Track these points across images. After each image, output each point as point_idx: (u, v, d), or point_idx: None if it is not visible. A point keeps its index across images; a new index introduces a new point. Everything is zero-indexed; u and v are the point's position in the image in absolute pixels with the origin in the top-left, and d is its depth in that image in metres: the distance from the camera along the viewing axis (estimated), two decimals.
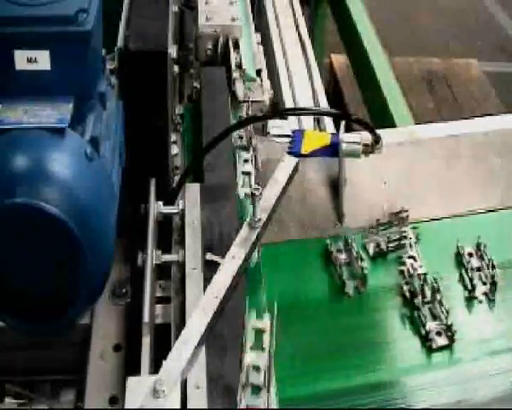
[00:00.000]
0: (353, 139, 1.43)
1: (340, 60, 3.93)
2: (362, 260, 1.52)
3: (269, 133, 1.72)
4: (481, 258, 1.57)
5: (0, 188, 1.02)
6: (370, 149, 1.44)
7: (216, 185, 1.44)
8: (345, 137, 1.43)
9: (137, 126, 1.35)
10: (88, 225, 1.05)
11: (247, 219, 1.25)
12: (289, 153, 1.40)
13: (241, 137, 1.57)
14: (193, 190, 1.40)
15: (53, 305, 1.10)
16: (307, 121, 1.97)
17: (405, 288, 1.51)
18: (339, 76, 3.92)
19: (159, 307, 1.27)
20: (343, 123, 1.47)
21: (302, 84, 2.29)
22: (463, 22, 5.29)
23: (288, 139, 1.47)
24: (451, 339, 1.43)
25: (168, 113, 1.41)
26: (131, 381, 1.01)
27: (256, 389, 1.07)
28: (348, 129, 1.50)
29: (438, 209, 1.67)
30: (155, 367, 1.12)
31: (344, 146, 1.43)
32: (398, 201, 1.63)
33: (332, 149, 1.44)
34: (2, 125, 1.05)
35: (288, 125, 1.79)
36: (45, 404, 1.27)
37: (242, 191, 1.48)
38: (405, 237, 1.59)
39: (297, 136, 1.43)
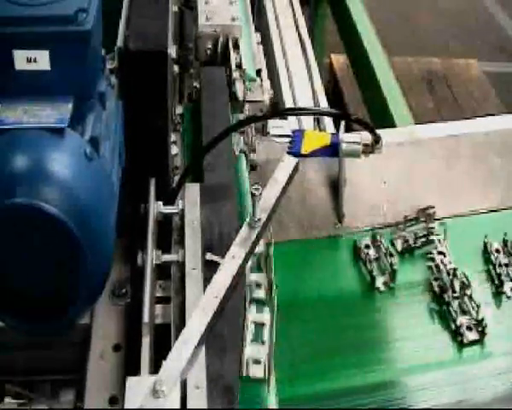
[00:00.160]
0: (353, 139, 1.43)
1: (340, 60, 3.93)
2: (391, 255, 1.53)
3: (269, 133, 1.72)
4: (509, 254, 1.58)
5: (0, 188, 1.01)
6: (370, 149, 1.44)
7: (216, 185, 1.44)
8: (345, 137, 1.43)
9: (137, 126, 1.34)
10: (88, 225, 1.05)
11: (247, 219, 1.25)
12: (289, 153, 1.40)
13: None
14: (193, 190, 1.40)
15: (53, 305, 1.10)
16: (307, 121, 1.98)
17: (435, 283, 1.52)
18: (339, 76, 3.91)
19: (159, 307, 1.27)
20: (343, 123, 1.47)
21: (302, 84, 2.29)
22: (463, 22, 5.29)
23: (287, 139, 1.47)
24: (482, 334, 1.43)
25: (168, 113, 1.41)
26: (131, 381, 1.01)
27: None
28: (348, 129, 1.50)
29: (438, 209, 1.67)
30: (155, 367, 1.12)
31: (344, 146, 1.43)
32: (398, 201, 1.63)
33: (332, 149, 1.44)
34: (1, 125, 1.05)
35: (288, 125, 1.79)
36: (45, 404, 1.27)
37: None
38: (433, 233, 1.60)
39: (297, 136, 1.43)
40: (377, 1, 4.59)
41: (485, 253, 1.59)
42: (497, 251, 1.58)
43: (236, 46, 1.80)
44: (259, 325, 1.19)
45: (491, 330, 1.45)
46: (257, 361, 1.17)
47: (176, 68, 1.59)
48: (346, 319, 1.49)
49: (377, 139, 1.42)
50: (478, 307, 1.46)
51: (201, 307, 1.10)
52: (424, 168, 1.70)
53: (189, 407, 1.06)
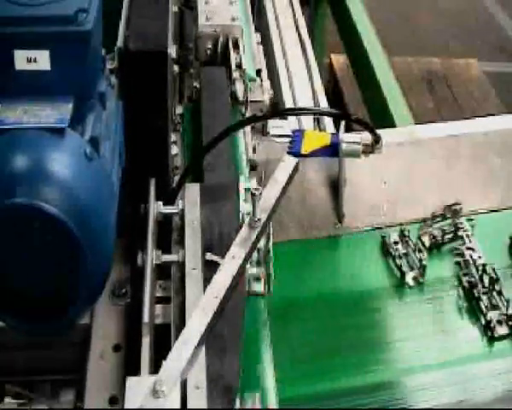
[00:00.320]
0: (353, 139, 1.43)
1: (340, 60, 3.93)
2: (420, 251, 1.54)
3: (269, 133, 1.72)
4: None
5: (0, 188, 1.01)
6: (370, 149, 1.44)
7: (216, 185, 1.44)
8: (345, 137, 1.44)
9: (137, 126, 1.34)
10: (88, 225, 1.05)
11: (247, 219, 1.25)
12: (289, 153, 1.40)
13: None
14: (193, 190, 1.40)
15: (53, 305, 1.10)
16: (307, 121, 1.97)
17: (464, 278, 1.53)
18: (339, 76, 3.91)
19: (159, 307, 1.27)
20: (343, 123, 1.47)
21: (302, 83, 2.29)
22: (463, 22, 5.29)
23: (287, 139, 1.47)
24: None
25: (168, 113, 1.41)
26: (131, 381, 1.01)
27: None
28: (348, 129, 1.50)
29: (438, 209, 1.67)
30: (155, 367, 1.12)
31: (344, 146, 1.43)
32: (398, 201, 1.64)
33: (332, 149, 1.44)
34: (1, 125, 1.05)
35: (288, 125, 1.79)
36: (45, 404, 1.27)
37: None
38: (461, 229, 1.61)
39: (297, 136, 1.43)
40: (377, 1, 4.59)
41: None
42: None
43: (236, 46, 1.80)
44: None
45: None
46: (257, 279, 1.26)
47: (176, 68, 1.59)
48: (407, 309, 1.50)
49: (377, 139, 1.42)
50: (507, 301, 1.48)
51: (201, 308, 1.10)
52: (424, 168, 1.70)
53: (189, 407, 1.06)
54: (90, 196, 1.07)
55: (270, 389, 1.17)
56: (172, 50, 1.45)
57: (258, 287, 1.31)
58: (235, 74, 1.73)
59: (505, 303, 1.48)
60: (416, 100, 3.63)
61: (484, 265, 1.54)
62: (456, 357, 1.44)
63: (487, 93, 4.07)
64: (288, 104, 2.16)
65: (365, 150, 1.44)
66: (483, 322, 1.47)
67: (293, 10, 2.77)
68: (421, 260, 1.53)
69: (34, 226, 1.03)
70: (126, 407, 0.98)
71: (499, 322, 1.48)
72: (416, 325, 1.50)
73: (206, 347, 1.12)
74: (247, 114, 1.68)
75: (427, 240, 1.59)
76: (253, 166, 1.58)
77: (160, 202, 1.35)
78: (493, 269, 1.53)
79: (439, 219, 1.62)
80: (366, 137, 1.43)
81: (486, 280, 1.52)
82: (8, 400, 1.25)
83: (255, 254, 1.31)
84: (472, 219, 1.64)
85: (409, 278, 1.53)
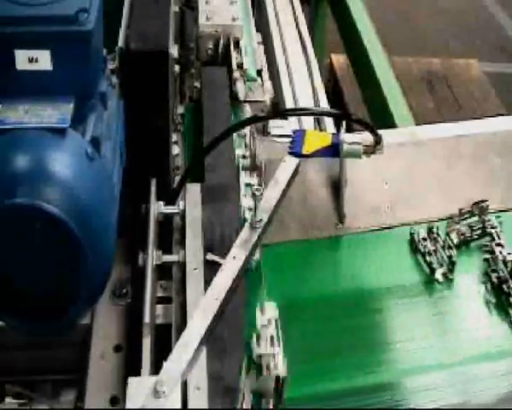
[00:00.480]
0: (354, 140, 1.43)
1: (340, 60, 3.93)
2: (450, 247, 1.55)
3: (269, 133, 1.71)
4: None
5: (1, 188, 1.01)
6: (371, 149, 1.44)
7: (217, 185, 1.44)
8: (346, 137, 1.44)
9: (138, 126, 1.34)
10: (89, 225, 1.05)
11: (248, 220, 1.25)
12: (290, 153, 1.40)
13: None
14: (194, 191, 1.40)
15: (53, 305, 1.10)
16: (307, 121, 1.97)
17: (493, 275, 1.54)
18: (339, 76, 3.91)
19: (159, 308, 1.27)
20: (344, 123, 1.47)
21: (302, 82, 2.29)
22: (463, 22, 5.30)
23: (288, 139, 1.47)
24: None
25: (169, 113, 1.40)
26: (132, 381, 1.01)
27: None
28: (349, 129, 1.50)
29: (439, 209, 1.67)
30: (156, 368, 1.12)
31: (345, 146, 1.43)
32: (399, 201, 1.64)
33: (333, 150, 1.44)
34: (2, 125, 1.05)
35: (289, 125, 1.79)
36: (46, 404, 1.27)
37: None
38: (489, 226, 1.61)
39: (298, 136, 1.43)
40: (377, 0, 4.59)
41: None
42: None
43: (237, 46, 1.80)
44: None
45: None
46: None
47: (177, 68, 1.59)
48: (436, 305, 1.50)
49: (378, 140, 1.43)
50: None
51: (202, 309, 1.10)
52: (425, 169, 1.70)
53: (189, 407, 1.06)
54: (91, 196, 1.07)
55: None
56: (174, 50, 1.46)
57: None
58: (236, 74, 1.73)
59: None
60: (416, 100, 3.63)
61: None
62: (484, 352, 1.44)
63: (487, 93, 4.07)
64: (289, 103, 2.16)
65: (366, 151, 1.44)
66: None
67: (293, 9, 2.77)
68: (450, 257, 1.55)
69: (35, 226, 1.03)
70: (127, 407, 0.99)
71: None
72: (443, 320, 1.51)
73: (207, 348, 1.12)
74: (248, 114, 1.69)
75: (455, 237, 1.60)
76: (254, 167, 1.57)
77: (161, 203, 1.35)
78: None
79: (466, 216, 1.63)
80: (367, 137, 1.43)
81: None
82: (8, 400, 1.25)
83: None
84: (500, 217, 1.65)
85: (438, 275, 1.54)
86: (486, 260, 1.58)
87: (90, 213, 1.06)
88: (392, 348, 1.45)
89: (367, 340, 1.45)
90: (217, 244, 1.31)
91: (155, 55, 1.34)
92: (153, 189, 1.36)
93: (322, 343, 1.42)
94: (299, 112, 1.92)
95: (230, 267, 1.17)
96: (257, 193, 1.23)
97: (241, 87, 1.70)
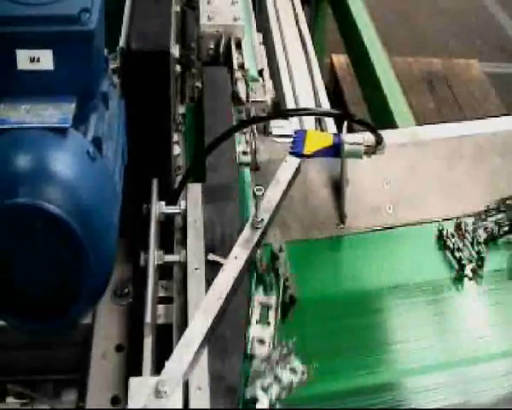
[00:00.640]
0: (355, 140, 1.44)
1: (340, 60, 3.94)
2: (479, 243, 1.55)
3: (271, 133, 1.71)
4: None
5: (2, 188, 1.01)
6: (372, 149, 1.45)
7: (218, 185, 1.44)
8: (347, 137, 1.44)
9: (140, 126, 1.34)
10: (90, 224, 1.05)
11: (250, 220, 1.25)
12: (291, 153, 1.40)
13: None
14: (195, 190, 1.40)
15: (55, 305, 1.10)
16: (308, 121, 1.97)
17: None
18: (339, 75, 3.92)
19: (161, 308, 1.27)
20: (345, 124, 1.47)
21: (303, 81, 2.29)
22: (463, 22, 5.30)
23: (289, 139, 1.47)
24: None
25: (170, 113, 1.40)
26: (134, 381, 1.01)
27: None
28: (350, 129, 1.50)
29: (440, 209, 1.67)
30: (157, 368, 1.12)
31: (346, 147, 1.43)
32: (400, 202, 1.64)
33: (334, 150, 1.44)
34: (4, 125, 1.05)
35: (290, 124, 1.79)
36: (47, 404, 1.27)
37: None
38: None
39: (299, 136, 1.43)
40: (377, 0, 4.59)
41: None
42: None
43: (238, 46, 1.80)
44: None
45: None
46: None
47: (178, 68, 1.59)
48: (464, 300, 1.52)
49: (379, 140, 1.43)
50: None
51: (203, 309, 1.10)
52: (426, 169, 1.70)
53: (191, 407, 1.06)
54: (92, 196, 1.07)
55: None
56: (175, 50, 1.45)
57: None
58: (237, 74, 1.73)
59: None
60: (416, 100, 3.64)
61: None
62: (485, 352, 1.45)
63: (487, 93, 4.08)
64: (290, 103, 2.16)
65: (367, 151, 1.45)
66: None
67: (294, 9, 2.77)
68: (479, 253, 1.56)
69: (37, 226, 1.03)
70: (129, 406, 0.99)
71: None
72: (443, 320, 1.51)
73: (208, 348, 1.12)
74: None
75: (482, 233, 1.61)
76: (255, 167, 1.57)
77: (163, 202, 1.35)
78: None
79: (493, 213, 1.64)
80: (368, 137, 1.43)
81: None
82: (10, 399, 1.25)
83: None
84: None
85: (468, 271, 1.55)
86: None
87: (91, 212, 1.06)
88: (393, 348, 1.45)
89: (368, 340, 1.45)
90: (218, 244, 1.31)
91: (157, 55, 1.34)
92: (154, 189, 1.36)
93: (323, 343, 1.42)
94: (300, 112, 1.92)
95: (232, 267, 1.17)
96: (258, 193, 1.23)
97: (242, 87, 1.70)
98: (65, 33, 1.07)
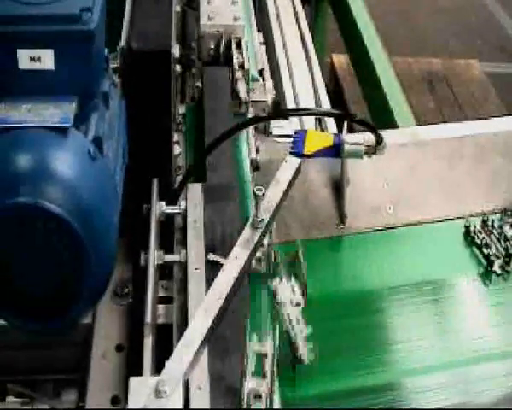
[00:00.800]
0: (356, 140, 1.43)
1: (340, 59, 3.94)
2: (507, 239, 1.56)
3: (271, 133, 1.71)
4: None
5: (3, 187, 1.01)
6: (373, 149, 1.44)
7: (218, 185, 1.43)
8: (347, 137, 1.43)
9: (140, 126, 1.34)
10: (91, 224, 1.05)
11: (250, 220, 1.24)
12: (292, 153, 1.40)
13: None
14: (195, 190, 1.40)
15: (55, 304, 1.10)
16: (308, 120, 1.97)
17: None
18: (339, 75, 3.92)
19: (161, 308, 1.27)
20: (346, 124, 1.47)
21: (303, 81, 2.29)
22: (463, 20, 5.30)
23: (290, 139, 1.47)
24: None
25: (171, 112, 1.40)
26: (134, 381, 1.01)
27: None
28: (350, 129, 1.50)
29: (441, 209, 1.67)
30: (157, 368, 1.12)
31: (346, 147, 1.43)
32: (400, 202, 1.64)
33: (334, 150, 1.44)
34: (5, 124, 1.05)
35: (290, 124, 1.79)
36: (47, 404, 1.27)
37: None
38: None
39: (300, 136, 1.43)
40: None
41: None
42: None
43: (239, 46, 1.79)
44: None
45: None
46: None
47: (178, 68, 1.59)
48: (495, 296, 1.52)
49: (380, 140, 1.42)
50: None
51: (204, 309, 1.10)
52: (427, 169, 1.70)
53: (191, 407, 1.06)
54: (93, 196, 1.07)
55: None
56: (176, 50, 1.45)
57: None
58: (238, 74, 1.73)
59: None
60: (417, 100, 3.64)
61: None
62: (486, 353, 1.45)
63: (488, 93, 4.08)
64: (290, 102, 2.15)
65: (368, 151, 1.44)
66: None
67: (294, 9, 2.77)
68: (506, 249, 1.57)
69: (37, 226, 1.03)
70: (129, 406, 0.98)
71: None
72: (444, 321, 1.52)
73: (209, 348, 1.12)
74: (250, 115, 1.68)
75: (508, 230, 1.62)
76: (255, 167, 1.57)
77: (163, 202, 1.35)
78: None
79: None
80: (369, 137, 1.42)
81: None
82: (10, 399, 1.25)
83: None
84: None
85: (496, 267, 1.56)
86: None
87: (92, 212, 1.06)
88: (394, 348, 1.45)
89: (368, 340, 1.45)
90: (218, 244, 1.31)
91: (157, 55, 1.34)
92: (154, 188, 1.36)
93: (323, 343, 1.42)
94: (300, 112, 1.92)
95: (232, 267, 1.17)
96: (258, 193, 1.23)
97: (242, 87, 1.69)
98: (66, 33, 1.07)
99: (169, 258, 1.29)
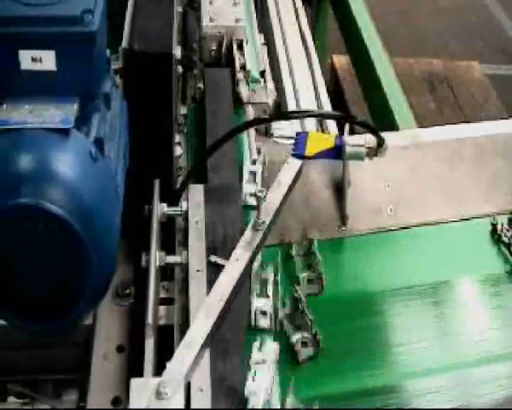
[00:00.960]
0: (357, 142, 1.44)
1: (341, 60, 3.94)
2: None
3: (272, 135, 1.71)
4: None
5: (4, 188, 1.01)
6: (374, 151, 1.45)
7: (219, 187, 1.44)
8: (349, 139, 1.44)
9: (142, 127, 1.34)
10: (92, 225, 1.05)
11: (251, 222, 1.25)
12: (293, 155, 1.40)
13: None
14: (196, 192, 1.40)
15: (57, 305, 1.10)
16: (309, 122, 1.97)
17: None
18: (340, 76, 3.92)
19: (162, 309, 1.27)
20: (347, 125, 1.47)
21: (304, 82, 2.29)
22: (464, 21, 5.30)
23: (291, 141, 1.47)
24: None
25: (172, 114, 1.40)
26: (135, 382, 1.01)
27: None
28: (352, 131, 1.50)
29: (442, 211, 1.67)
30: (158, 369, 1.12)
31: (348, 149, 1.43)
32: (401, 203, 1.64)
33: (336, 152, 1.44)
34: (6, 125, 1.05)
35: (291, 126, 1.79)
36: (48, 404, 1.27)
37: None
38: None
39: (301, 138, 1.43)
40: (378, 0, 4.59)
41: None
42: None
43: (240, 47, 1.80)
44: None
45: None
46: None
47: (179, 69, 1.59)
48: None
49: (381, 142, 1.43)
50: None
51: (205, 310, 1.10)
52: (427, 171, 1.70)
53: (192, 408, 1.06)
54: (94, 197, 1.07)
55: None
56: (177, 51, 1.45)
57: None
58: (239, 75, 1.73)
59: None
60: (417, 101, 3.64)
61: None
62: (486, 355, 1.45)
63: (488, 95, 4.08)
64: (291, 104, 2.15)
65: (369, 153, 1.45)
66: None
67: (295, 10, 2.76)
68: None
69: (39, 227, 1.03)
70: (130, 408, 0.98)
71: None
72: (445, 322, 1.52)
73: (210, 349, 1.12)
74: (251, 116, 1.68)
75: None
76: None
77: (164, 204, 1.35)
78: None
79: None
80: (370, 139, 1.43)
81: None
82: (11, 399, 1.25)
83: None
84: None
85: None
86: None
87: (93, 213, 1.06)
88: (394, 350, 1.45)
89: (369, 342, 1.45)
90: (219, 246, 1.31)
91: (159, 57, 1.34)
92: (156, 190, 1.36)
93: (324, 346, 1.42)
94: (302, 114, 1.92)
95: (233, 269, 1.17)
96: (260, 194, 1.23)
97: (244, 88, 1.69)
98: (67, 34, 1.07)
99: (170, 259, 1.29)
